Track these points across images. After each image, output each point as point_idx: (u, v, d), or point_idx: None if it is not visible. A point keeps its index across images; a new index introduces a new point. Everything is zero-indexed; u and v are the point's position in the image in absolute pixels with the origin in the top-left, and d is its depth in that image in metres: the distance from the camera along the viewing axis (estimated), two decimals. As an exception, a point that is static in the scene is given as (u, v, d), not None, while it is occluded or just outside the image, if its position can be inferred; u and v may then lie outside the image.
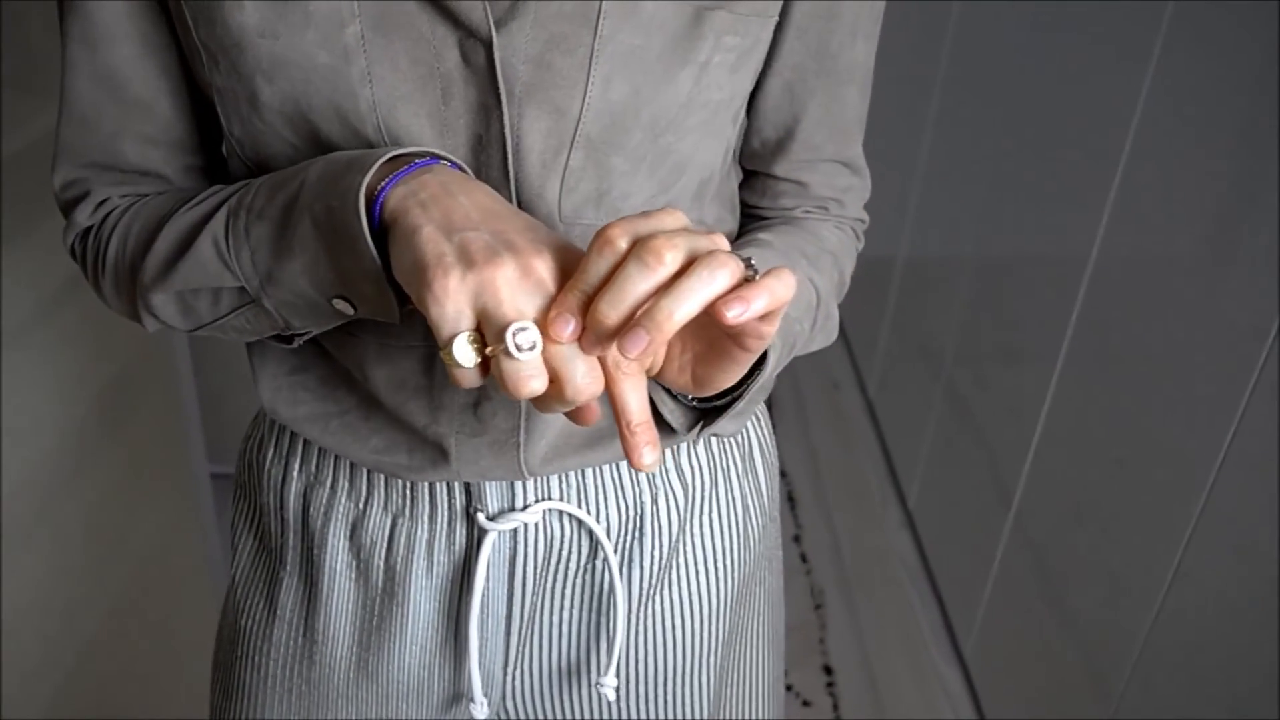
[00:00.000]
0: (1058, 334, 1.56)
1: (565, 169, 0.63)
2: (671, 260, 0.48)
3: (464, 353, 0.50)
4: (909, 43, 2.36)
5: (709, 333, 0.55)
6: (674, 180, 0.67)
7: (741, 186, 0.80)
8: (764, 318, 0.50)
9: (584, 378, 0.50)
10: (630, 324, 0.48)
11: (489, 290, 0.50)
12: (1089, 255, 1.48)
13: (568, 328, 0.49)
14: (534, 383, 0.49)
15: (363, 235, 0.54)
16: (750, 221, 0.79)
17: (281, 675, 0.83)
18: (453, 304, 0.50)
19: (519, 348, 0.49)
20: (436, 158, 0.58)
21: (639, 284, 0.48)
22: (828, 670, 1.96)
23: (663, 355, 0.57)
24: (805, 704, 1.90)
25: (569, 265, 0.52)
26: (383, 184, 0.55)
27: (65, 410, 1.29)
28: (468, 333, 0.51)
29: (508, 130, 0.61)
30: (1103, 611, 1.42)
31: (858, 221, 0.80)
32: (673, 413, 0.67)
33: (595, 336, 0.49)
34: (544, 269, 0.51)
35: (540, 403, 0.52)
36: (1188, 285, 1.27)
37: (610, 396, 0.52)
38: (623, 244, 0.50)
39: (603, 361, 0.51)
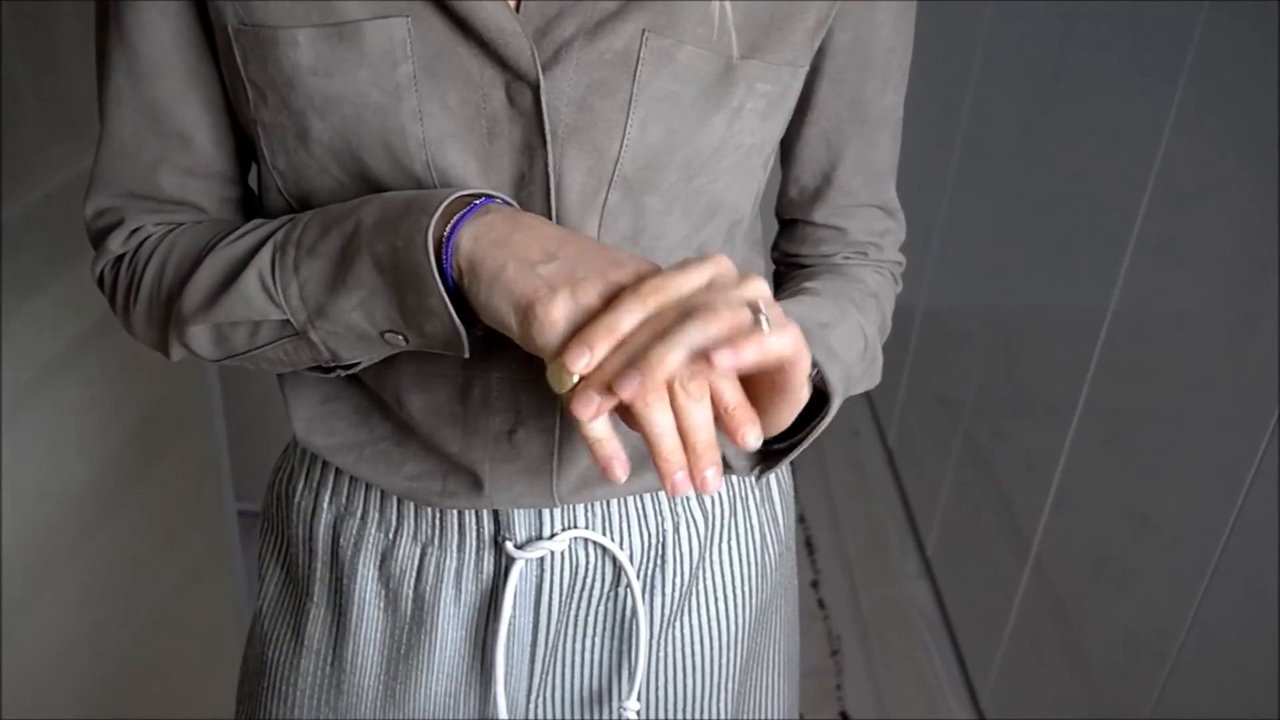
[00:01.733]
0: (1075, 386, 1.56)
1: (604, 208, 0.66)
2: (654, 304, 0.54)
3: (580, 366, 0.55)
4: (931, 96, 2.38)
5: (754, 378, 0.58)
6: (706, 220, 0.70)
7: (781, 236, 0.83)
8: (783, 371, 0.54)
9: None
10: (627, 367, 0.53)
11: (589, 313, 0.55)
12: (1107, 308, 1.49)
13: (580, 361, 0.54)
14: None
15: (431, 273, 0.57)
16: (792, 270, 0.82)
17: (308, 705, 0.84)
18: (562, 328, 0.55)
19: None
20: (490, 197, 0.61)
21: (627, 323, 0.54)
22: (844, 717, 1.96)
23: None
24: (821, 751, 1.89)
25: (641, 274, 0.57)
26: (449, 227, 0.59)
27: (97, 447, 1.30)
28: None
29: (550, 169, 0.64)
30: (1120, 665, 1.41)
31: (895, 264, 0.83)
32: (733, 456, 0.70)
33: (595, 386, 0.54)
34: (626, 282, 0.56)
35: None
36: (1205, 338, 1.27)
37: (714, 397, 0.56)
38: (651, 304, 0.55)
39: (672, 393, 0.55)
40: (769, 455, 0.71)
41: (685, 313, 0.53)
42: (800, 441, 0.67)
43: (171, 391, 1.47)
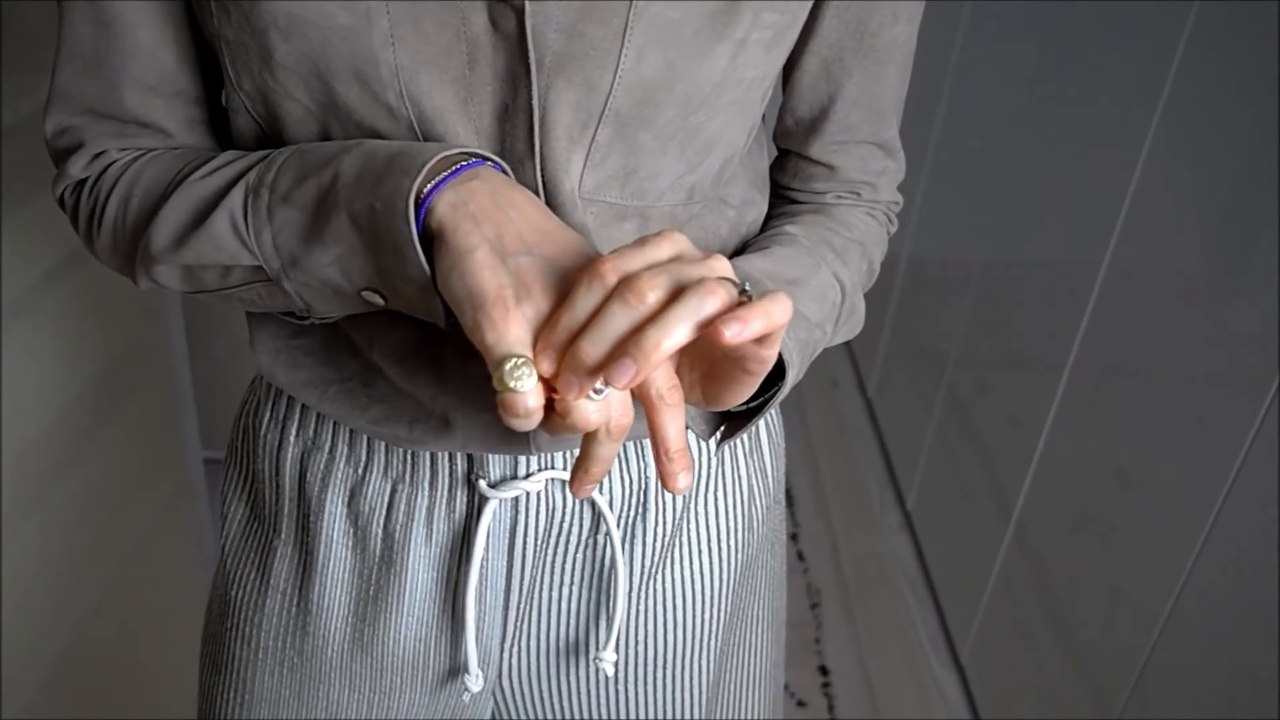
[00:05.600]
0: (1066, 341, 1.54)
1: (592, 144, 0.62)
2: (654, 298, 0.49)
3: (523, 378, 0.50)
4: (919, 38, 2.33)
5: (711, 355, 0.54)
6: (700, 159, 0.66)
7: (773, 166, 0.78)
8: (762, 341, 0.50)
9: (594, 412, 0.51)
10: (616, 353, 0.48)
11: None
12: (1101, 261, 1.46)
13: (546, 365, 0.50)
14: (595, 416, 0.51)
15: (411, 242, 0.53)
16: (781, 202, 0.78)
17: (273, 647, 0.81)
18: (514, 334, 0.51)
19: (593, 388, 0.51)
20: (481, 159, 0.57)
21: (620, 321, 0.49)
22: (824, 670, 1.95)
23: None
24: (800, 704, 1.88)
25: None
26: (428, 187, 0.54)
27: (57, 396, 1.27)
28: (524, 359, 0.50)
29: (535, 101, 0.59)
30: (1103, 623, 1.40)
31: (891, 205, 0.79)
32: (694, 419, 0.66)
33: (574, 371, 0.49)
34: None
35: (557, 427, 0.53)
36: (1203, 295, 1.25)
37: (650, 426, 0.52)
38: (611, 279, 0.50)
39: (645, 392, 0.51)
40: (729, 420, 0.66)
41: (675, 293, 0.49)
42: (760, 409, 0.62)
43: (134, 339, 1.43)
